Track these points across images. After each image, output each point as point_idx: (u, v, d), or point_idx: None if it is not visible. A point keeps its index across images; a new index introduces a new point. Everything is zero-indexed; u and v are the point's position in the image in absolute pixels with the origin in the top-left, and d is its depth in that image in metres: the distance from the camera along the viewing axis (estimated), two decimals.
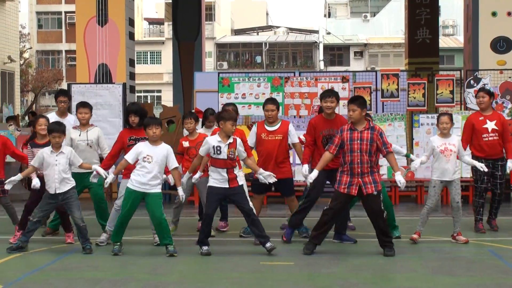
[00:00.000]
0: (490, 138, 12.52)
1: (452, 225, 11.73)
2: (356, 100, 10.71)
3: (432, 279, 9.18)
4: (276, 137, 11.97)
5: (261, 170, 10.94)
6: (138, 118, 11.47)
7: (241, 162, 11.29)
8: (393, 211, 12.05)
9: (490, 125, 12.61)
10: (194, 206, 11.31)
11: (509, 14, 18.46)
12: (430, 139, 12.15)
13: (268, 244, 10.56)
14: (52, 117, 12.89)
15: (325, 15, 79.85)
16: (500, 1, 18.44)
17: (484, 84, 16.90)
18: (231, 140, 10.65)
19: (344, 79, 16.84)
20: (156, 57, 68.89)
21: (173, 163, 10.71)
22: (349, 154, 10.52)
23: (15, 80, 32.03)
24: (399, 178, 10.50)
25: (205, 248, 10.60)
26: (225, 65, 66.09)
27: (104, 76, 18.55)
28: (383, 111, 17.22)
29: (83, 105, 12.17)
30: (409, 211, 15.72)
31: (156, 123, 10.68)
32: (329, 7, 79.55)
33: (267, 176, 10.79)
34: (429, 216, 11.83)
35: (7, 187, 11.13)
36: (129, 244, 11.35)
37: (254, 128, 12.20)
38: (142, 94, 63.29)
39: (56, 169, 10.72)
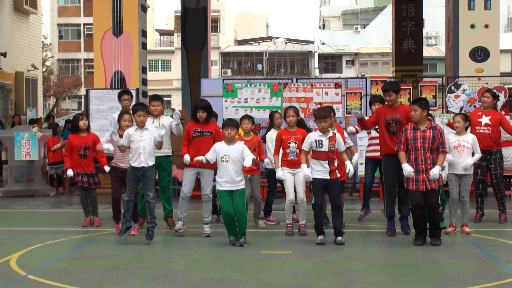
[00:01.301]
0: (481, 131, 12.55)
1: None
2: (418, 101, 10.72)
3: (417, 266, 9.17)
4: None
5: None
6: (206, 114, 11.47)
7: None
8: (445, 205, 12.09)
9: (485, 119, 12.68)
10: (200, 200, 11.32)
11: (486, 26, 18.47)
12: (447, 136, 12.17)
13: (339, 238, 10.61)
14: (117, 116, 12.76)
15: (320, 27, 79.83)
16: (478, 15, 18.46)
17: (464, 90, 16.91)
18: (330, 134, 10.61)
19: (337, 85, 16.84)
20: (167, 65, 68.84)
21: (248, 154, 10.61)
22: (413, 152, 10.53)
23: (38, 86, 32.01)
24: (437, 172, 10.43)
25: (320, 237, 10.62)
26: (229, 72, 66.05)
27: (119, 82, 18.55)
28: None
29: (155, 98, 12.24)
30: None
31: (232, 125, 10.64)
32: (323, 19, 79.57)
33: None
34: (457, 208, 11.79)
35: (106, 146, 11.24)
36: (142, 235, 11.35)
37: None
38: None
39: (141, 144, 10.67)
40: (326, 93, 16.54)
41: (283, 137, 11.63)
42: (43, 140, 17.82)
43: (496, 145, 12.79)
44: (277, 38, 78.55)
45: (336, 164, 10.67)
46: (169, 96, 65.72)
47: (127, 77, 18.58)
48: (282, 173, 11.43)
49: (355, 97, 16.82)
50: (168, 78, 67.23)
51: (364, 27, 74.34)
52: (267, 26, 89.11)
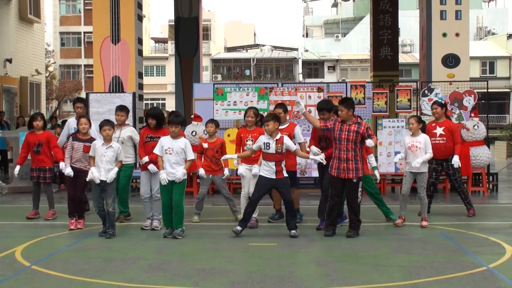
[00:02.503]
0: (436, 141, 12.55)
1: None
2: (344, 102, 10.80)
3: (393, 257, 9.20)
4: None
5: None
6: (155, 121, 11.49)
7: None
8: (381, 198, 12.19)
9: (439, 130, 12.69)
10: (193, 196, 11.32)
11: (457, 35, 18.49)
12: (404, 138, 12.24)
13: (292, 232, 10.59)
14: (72, 121, 12.94)
15: (303, 35, 79.86)
16: (450, 24, 18.49)
17: (437, 94, 16.94)
18: (278, 137, 10.62)
19: (320, 89, 16.85)
20: (161, 71, 68.72)
21: (190, 155, 10.65)
22: (338, 142, 10.62)
23: (41, 90, 31.91)
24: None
25: (237, 228, 10.62)
26: (219, 77, 66.00)
27: (117, 86, 18.49)
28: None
29: (120, 108, 12.27)
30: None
31: (176, 122, 10.64)
32: (306, 28, 79.63)
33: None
34: (407, 202, 11.86)
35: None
36: (138, 228, 11.33)
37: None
38: (149, 101, 63.07)
39: (104, 159, 10.77)
40: (309, 97, 16.55)
41: (242, 135, 11.77)
42: None
43: (451, 152, 12.74)
44: (263, 45, 78.55)
45: (283, 165, 10.65)
46: (164, 99, 65.70)
47: (124, 82, 18.52)
48: (242, 169, 11.50)
49: (336, 100, 16.80)
50: (163, 83, 67.15)
51: (345, 36, 74.45)
52: (255, 34, 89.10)
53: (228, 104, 16.69)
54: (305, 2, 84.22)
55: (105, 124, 10.95)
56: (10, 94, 27.98)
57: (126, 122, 12.36)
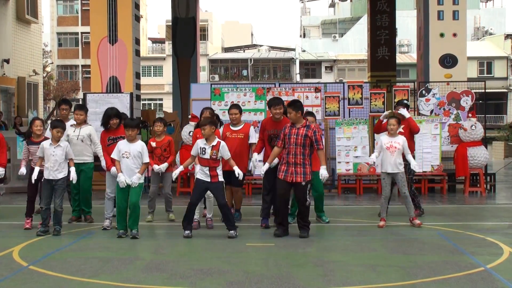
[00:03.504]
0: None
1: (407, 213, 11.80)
2: (292, 104, 10.77)
3: (390, 257, 9.20)
4: (238, 135, 11.99)
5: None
6: (118, 120, 11.68)
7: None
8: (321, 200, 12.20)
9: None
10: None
11: (454, 35, 18.53)
12: (380, 138, 12.23)
13: (231, 232, 10.59)
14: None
15: (300, 36, 79.89)
16: (447, 24, 18.53)
17: (434, 94, 16.96)
18: (214, 143, 10.59)
19: (317, 89, 16.85)
20: (158, 71, 68.70)
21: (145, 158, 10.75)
22: (287, 146, 10.64)
23: (38, 90, 31.87)
24: (323, 172, 10.62)
25: (186, 232, 10.58)
26: (216, 77, 65.98)
27: (114, 86, 18.49)
28: (349, 116, 17.24)
29: (80, 107, 12.36)
30: (371, 200, 15.74)
31: (132, 126, 10.69)
32: (304, 29, 79.64)
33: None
34: (388, 204, 11.89)
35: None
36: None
37: (221, 129, 12.10)
38: (146, 102, 63.10)
39: (52, 159, 10.83)
40: (307, 97, 16.55)
41: (198, 135, 11.73)
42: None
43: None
44: (261, 46, 78.58)
45: (218, 170, 10.57)
46: (161, 99, 65.70)
47: (121, 82, 18.53)
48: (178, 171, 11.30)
49: (333, 101, 16.86)
50: (160, 83, 67.12)
51: (342, 36, 74.47)
52: (252, 34, 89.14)
53: (226, 104, 16.68)
54: (302, 2, 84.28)
55: (59, 125, 11.00)
56: (8, 94, 27.94)
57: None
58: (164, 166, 11.97)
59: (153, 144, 12.20)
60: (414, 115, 17.25)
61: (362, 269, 8.37)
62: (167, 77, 62.42)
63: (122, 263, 8.76)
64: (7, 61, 27.47)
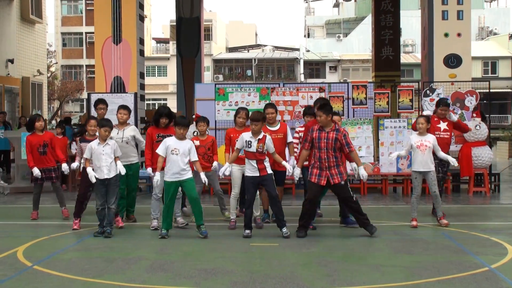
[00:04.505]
0: (441, 136, 12.65)
1: (410, 212, 11.79)
2: (322, 108, 10.73)
3: (394, 257, 9.20)
4: (278, 136, 11.94)
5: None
6: (168, 120, 11.66)
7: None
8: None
9: (443, 125, 12.78)
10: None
11: (459, 35, 18.49)
12: (410, 136, 12.23)
13: (283, 230, 10.60)
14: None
15: (305, 36, 79.92)
16: (451, 24, 18.49)
17: (438, 94, 16.93)
18: (260, 136, 10.67)
19: (321, 89, 16.85)
20: (163, 71, 68.76)
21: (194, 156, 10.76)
22: (318, 151, 10.59)
23: (43, 90, 31.92)
24: (362, 172, 10.62)
25: (247, 231, 10.63)
26: (220, 77, 66.02)
27: (118, 86, 18.49)
28: (353, 116, 17.21)
29: (124, 107, 12.30)
30: (375, 200, 15.72)
31: (184, 125, 10.79)
32: (308, 29, 79.64)
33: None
34: (419, 203, 11.86)
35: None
36: (140, 228, 11.34)
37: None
38: (150, 102, 63.13)
39: (103, 158, 10.82)
40: (311, 97, 16.54)
41: (231, 135, 11.78)
42: None
43: (449, 146, 12.98)
44: (265, 45, 78.57)
45: (265, 163, 10.68)
46: (165, 99, 65.71)
47: (126, 82, 18.53)
48: (225, 169, 11.27)
49: (337, 101, 16.84)
50: (164, 83, 67.20)
51: (346, 36, 74.47)
52: (256, 34, 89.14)
53: (230, 104, 16.69)
54: (306, 2, 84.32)
55: (107, 124, 10.99)
56: (12, 94, 28.00)
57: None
58: (215, 164, 12.01)
59: (197, 142, 12.01)
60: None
61: (367, 269, 8.37)
62: (171, 77, 62.48)
63: (126, 263, 8.77)
64: (12, 61, 27.52)
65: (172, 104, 49.60)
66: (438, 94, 16.97)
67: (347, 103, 17.07)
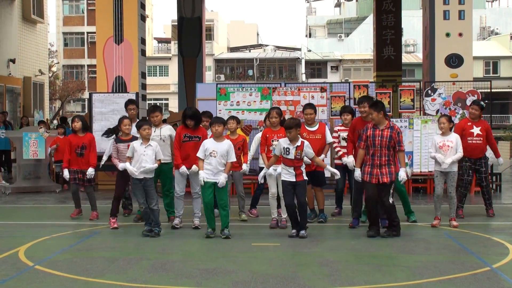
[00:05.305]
0: (473, 141, 12.65)
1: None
2: (373, 105, 10.76)
3: (396, 257, 9.20)
4: (316, 136, 11.95)
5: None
6: (194, 122, 11.51)
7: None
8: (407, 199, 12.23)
9: (476, 130, 12.72)
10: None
11: (460, 35, 18.50)
12: (433, 137, 12.21)
13: (301, 232, 10.58)
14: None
15: (306, 35, 79.89)
16: (453, 24, 18.50)
17: (440, 94, 16.93)
18: (298, 143, 10.59)
19: (322, 89, 16.84)
20: (164, 71, 68.76)
21: (232, 157, 10.76)
22: (372, 148, 10.61)
23: (44, 90, 31.93)
24: (402, 174, 10.64)
25: (293, 231, 10.64)
26: (222, 77, 66.04)
27: (120, 86, 18.50)
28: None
29: (154, 109, 12.20)
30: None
31: (219, 122, 10.78)
32: (309, 28, 79.64)
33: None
34: (441, 203, 11.84)
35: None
36: (141, 228, 11.33)
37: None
38: (152, 101, 63.11)
39: (143, 158, 10.81)
40: (312, 97, 16.53)
41: (267, 135, 11.73)
42: (50, 140, 17.77)
43: (484, 152, 12.89)
44: (266, 45, 78.61)
45: (302, 168, 10.65)
46: (167, 99, 65.77)
47: (127, 82, 18.54)
48: (264, 174, 11.28)
49: (339, 100, 16.83)
50: (166, 83, 67.21)
51: (348, 36, 74.46)
52: (258, 34, 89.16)
53: (231, 104, 16.69)
54: (308, 2, 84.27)
55: (144, 123, 10.99)
56: (14, 94, 28.01)
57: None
58: (245, 167, 12.09)
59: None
60: (420, 114, 17.24)
61: (368, 269, 8.37)
62: (173, 77, 62.51)
63: (128, 263, 8.77)
64: (13, 61, 27.53)
65: (174, 104, 49.66)
66: (440, 94, 16.97)
67: (349, 103, 17.06)
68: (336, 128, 12.78)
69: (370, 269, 8.35)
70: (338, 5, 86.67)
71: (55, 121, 37.66)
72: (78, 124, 12.76)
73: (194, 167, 11.14)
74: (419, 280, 7.75)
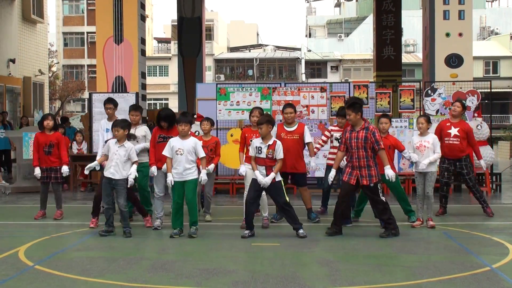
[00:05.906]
0: (450, 142, 12.65)
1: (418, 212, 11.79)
2: (351, 106, 10.71)
3: (396, 257, 9.20)
4: (294, 137, 11.95)
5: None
6: (167, 124, 11.53)
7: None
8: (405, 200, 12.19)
9: (453, 131, 12.72)
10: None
11: (460, 35, 18.50)
12: (411, 137, 12.22)
13: (300, 231, 10.57)
14: (104, 123, 12.73)
15: (306, 35, 79.91)
16: (453, 24, 18.50)
17: (440, 94, 16.93)
18: (270, 142, 10.60)
19: (322, 89, 16.85)
20: (164, 71, 68.77)
21: (201, 153, 10.70)
22: (350, 150, 10.67)
23: (44, 90, 31.93)
24: (388, 172, 10.63)
25: (246, 231, 10.61)
26: (222, 77, 66.04)
27: (120, 86, 18.50)
28: None
29: (135, 108, 12.31)
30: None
31: (185, 121, 10.70)
32: (309, 28, 79.65)
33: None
34: (423, 204, 11.81)
35: (86, 172, 11.36)
36: (141, 228, 11.34)
37: (274, 128, 11.86)
38: (152, 101, 63.20)
39: (115, 158, 10.78)
40: (312, 97, 16.55)
41: (246, 135, 11.74)
42: None
43: (463, 153, 12.82)
44: (266, 45, 78.62)
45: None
46: (167, 99, 65.77)
47: (127, 82, 18.54)
48: (244, 169, 11.35)
49: (339, 100, 16.84)
50: (166, 83, 67.21)
51: (347, 36, 74.46)
52: (258, 34, 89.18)
53: (231, 104, 16.70)
54: (308, 2, 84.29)
55: (119, 124, 10.94)
56: (13, 94, 28.02)
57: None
58: (211, 167, 12.02)
59: (200, 143, 12.07)
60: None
61: (368, 269, 8.37)
62: (172, 77, 62.51)
63: (128, 263, 8.77)
64: (13, 60, 27.53)
65: (174, 104, 49.61)
66: (440, 94, 16.98)
67: None
68: (330, 128, 12.83)
69: (370, 269, 8.35)
70: (338, 5, 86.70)
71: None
72: (51, 123, 12.82)
73: (163, 167, 11.13)
74: (419, 280, 7.75)
